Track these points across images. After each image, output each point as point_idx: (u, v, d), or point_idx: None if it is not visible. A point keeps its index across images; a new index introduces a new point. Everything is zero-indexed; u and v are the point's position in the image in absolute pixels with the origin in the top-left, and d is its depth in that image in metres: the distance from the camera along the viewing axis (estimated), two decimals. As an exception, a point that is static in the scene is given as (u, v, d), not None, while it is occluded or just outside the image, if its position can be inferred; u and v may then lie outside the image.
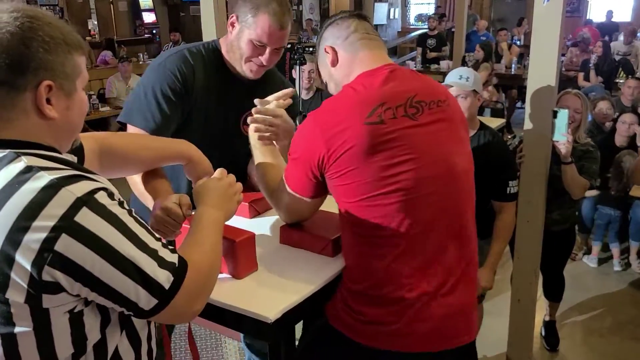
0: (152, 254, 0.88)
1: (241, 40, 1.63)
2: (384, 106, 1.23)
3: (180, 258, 0.93)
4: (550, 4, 2.05)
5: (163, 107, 1.62)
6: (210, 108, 1.72)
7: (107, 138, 1.28)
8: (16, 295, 0.82)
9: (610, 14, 10.51)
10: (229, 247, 1.30)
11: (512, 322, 2.50)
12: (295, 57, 3.54)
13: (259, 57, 1.65)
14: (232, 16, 1.66)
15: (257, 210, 1.73)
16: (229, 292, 1.27)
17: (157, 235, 0.93)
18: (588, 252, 3.73)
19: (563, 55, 6.43)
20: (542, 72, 2.15)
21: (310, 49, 3.67)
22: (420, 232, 1.25)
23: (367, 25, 1.39)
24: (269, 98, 1.56)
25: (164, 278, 0.88)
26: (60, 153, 0.92)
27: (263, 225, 1.62)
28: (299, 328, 1.37)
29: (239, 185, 1.26)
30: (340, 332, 1.30)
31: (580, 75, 6.63)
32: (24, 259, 0.80)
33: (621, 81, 5.75)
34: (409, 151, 1.23)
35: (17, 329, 0.84)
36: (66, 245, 0.80)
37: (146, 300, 0.87)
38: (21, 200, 0.80)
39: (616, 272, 3.55)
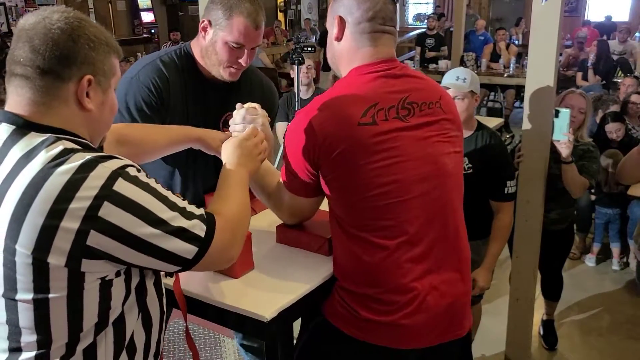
0: (183, 211, 0.98)
1: (217, 44, 1.59)
2: (377, 107, 1.23)
3: (207, 212, 1.04)
4: (549, 4, 2.05)
5: (137, 121, 1.60)
6: (188, 114, 1.70)
7: (122, 128, 1.38)
8: (57, 259, 0.88)
9: (609, 18, 10.53)
10: (225, 246, 1.30)
11: (510, 322, 2.50)
12: (294, 57, 3.53)
13: (237, 59, 1.61)
14: (203, 21, 1.61)
15: (254, 209, 1.73)
16: (226, 291, 1.27)
17: (181, 196, 1.02)
18: (586, 251, 3.73)
19: (560, 54, 6.43)
20: (540, 72, 2.15)
21: (309, 49, 3.66)
22: (412, 232, 1.25)
23: (389, 10, 1.31)
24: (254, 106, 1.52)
25: (199, 228, 0.99)
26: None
27: (259, 225, 1.62)
28: (296, 326, 1.36)
29: (264, 145, 1.35)
30: (338, 329, 1.30)
31: (579, 74, 6.63)
32: (69, 226, 0.87)
33: (619, 80, 5.75)
34: (399, 153, 1.23)
35: (51, 295, 0.90)
36: (109, 211, 0.89)
37: (187, 251, 0.97)
38: (62, 177, 0.88)
39: (614, 272, 3.55)
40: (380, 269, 1.25)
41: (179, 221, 0.96)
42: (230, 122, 1.52)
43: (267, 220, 1.65)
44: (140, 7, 10.28)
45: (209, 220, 1.02)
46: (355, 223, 1.26)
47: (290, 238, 1.49)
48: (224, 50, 1.60)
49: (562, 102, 2.48)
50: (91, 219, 0.88)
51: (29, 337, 0.92)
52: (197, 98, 1.72)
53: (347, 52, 1.32)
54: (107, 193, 0.89)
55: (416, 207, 1.25)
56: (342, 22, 1.31)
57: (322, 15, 12.76)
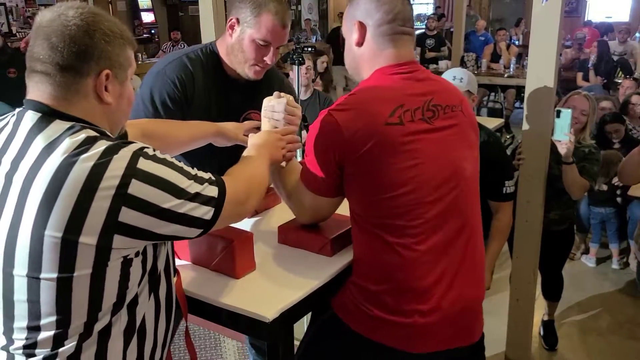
0: (195, 177, 1.05)
1: (244, 42, 1.63)
2: (404, 108, 1.24)
3: (215, 175, 1.10)
4: (549, 4, 2.06)
5: (160, 114, 1.63)
6: (210, 111, 1.72)
7: (145, 123, 1.47)
8: (88, 238, 0.92)
9: (609, 20, 10.52)
10: (226, 247, 1.30)
11: (510, 322, 2.50)
12: (294, 57, 3.52)
13: (263, 57, 1.65)
14: (232, 19, 1.65)
15: (255, 210, 1.73)
16: (227, 291, 1.27)
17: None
18: (586, 251, 3.74)
19: (560, 55, 6.41)
20: (540, 73, 2.15)
21: (309, 49, 3.66)
22: (428, 235, 1.25)
23: (407, 12, 1.32)
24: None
25: (210, 190, 1.05)
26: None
27: (261, 225, 1.63)
28: (297, 327, 1.37)
29: (293, 146, 1.43)
30: (346, 325, 1.31)
31: (579, 75, 6.62)
32: (100, 205, 0.92)
33: (620, 81, 5.76)
34: (422, 155, 1.24)
35: (75, 273, 0.94)
36: (137, 188, 0.94)
37: (205, 212, 1.04)
38: (88, 162, 0.92)
39: (614, 272, 3.55)
40: (395, 269, 1.25)
41: (194, 187, 1.02)
42: (267, 108, 1.50)
43: (268, 221, 1.65)
44: (141, 7, 10.27)
45: (218, 181, 1.08)
46: (373, 221, 1.26)
47: (292, 239, 1.49)
48: (251, 47, 1.63)
49: (565, 104, 2.48)
50: (121, 197, 0.93)
51: (48, 317, 0.95)
52: (219, 95, 1.74)
53: (368, 56, 1.32)
54: (132, 172, 0.94)
55: (434, 210, 1.25)
56: (362, 27, 1.31)
57: (322, 16, 12.76)
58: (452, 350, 1.31)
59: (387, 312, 1.25)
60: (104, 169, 0.92)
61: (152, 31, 10.38)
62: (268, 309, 1.18)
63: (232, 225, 1.34)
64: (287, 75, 3.89)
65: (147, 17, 10.39)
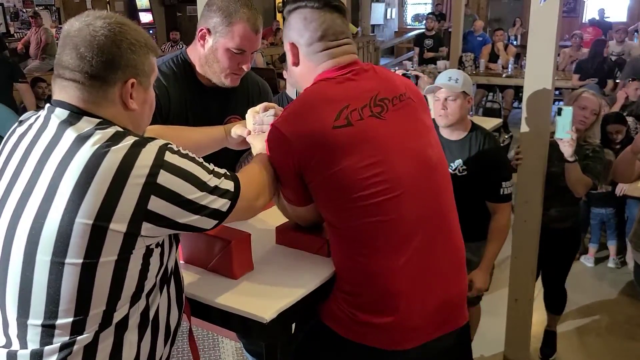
0: (214, 172, 1.11)
1: (218, 52, 1.60)
2: (349, 108, 1.23)
3: (227, 170, 1.15)
4: (547, 4, 2.06)
5: None
6: (188, 122, 1.70)
7: (158, 129, 1.48)
8: (119, 225, 0.96)
9: (602, 12, 10.50)
10: (224, 248, 1.30)
11: (509, 322, 2.50)
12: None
13: (239, 65, 1.62)
14: (202, 29, 1.62)
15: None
16: (225, 292, 1.27)
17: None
18: (585, 251, 3.74)
19: (558, 55, 6.36)
20: (538, 73, 2.15)
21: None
22: (403, 229, 1.25)
23: (338, 25, 1.30)
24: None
25: (226, 184, 1.11)
26: None
27: (259, 226, 1.62)
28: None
29: None
30: (333, 331, 1.31)
31: (575, 77, 6.58)
32: (131, 194, 0.96)
33: (618, 81, 5.74)
34: (380, 151, 1.23)
35: (101, 259, 0.96)
36: (166, 178, 0.99)
37: (223, 204, 1.10)
38: (119, 153, 0.97)
39: (613, 272, 3.55)
40: (374, 271, 1.25)
41: (214, 181, 1.08)
42: (257, 122, 1.50)
43: (266, 222, 1.65)
44: (139, 7, 10.26)
45: (233, 177, 1.14)
46: (347, 225, 1.26)
47: (289, 239, 1.49)
48: (225, 56, 1.60)
49: (575, 102, 2.45)
50: (151, 186, 0.98)
51: (67, 303, 0.97)
52: (196, 105, 1.72)
53: (307, 73, 1.33)
54: (161, 163, 0.99)
55: (408, 202, 1.25)
56: (294, 48, 1.32)
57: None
58: (437, 339, 1.31)
59: (370, 315, 1.25)
60: (134, 160, 0.97)
61: (150, 32, 10.36)
62: (266, 309, 1.18)
63: (230, 225, 1.35)
64: (281, 75, 3.91)
65: (145, 18, 10.38)
